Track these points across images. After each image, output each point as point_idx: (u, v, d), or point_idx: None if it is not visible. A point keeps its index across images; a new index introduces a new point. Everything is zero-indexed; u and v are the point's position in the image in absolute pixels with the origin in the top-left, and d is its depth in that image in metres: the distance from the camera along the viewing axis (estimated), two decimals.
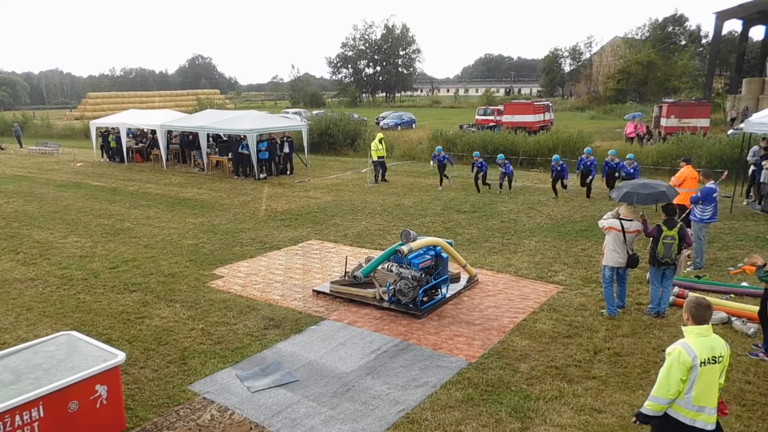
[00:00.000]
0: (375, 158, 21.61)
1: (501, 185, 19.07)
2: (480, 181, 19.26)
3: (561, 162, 18.08)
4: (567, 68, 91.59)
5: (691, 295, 7.76)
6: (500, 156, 19.13)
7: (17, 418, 5.14)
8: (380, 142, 21.88)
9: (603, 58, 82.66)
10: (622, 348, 7.67)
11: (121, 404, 6.02)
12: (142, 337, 8.26)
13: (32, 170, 27.09)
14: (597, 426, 5.95)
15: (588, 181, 18.24)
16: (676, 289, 9.22)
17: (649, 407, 4.48)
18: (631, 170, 17.08)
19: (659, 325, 8.36)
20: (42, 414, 5.31)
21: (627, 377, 6.91)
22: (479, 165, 19.08)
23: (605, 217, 8.73)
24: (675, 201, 13.96)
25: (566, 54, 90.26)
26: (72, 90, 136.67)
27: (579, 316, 8.73)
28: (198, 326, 8.61)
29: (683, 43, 74.17)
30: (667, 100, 39.07)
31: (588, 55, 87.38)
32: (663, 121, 33.60)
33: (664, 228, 8.31)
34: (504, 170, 18.79)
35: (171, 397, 6.66)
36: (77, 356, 6.00)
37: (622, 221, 8.47)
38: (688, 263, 10.80)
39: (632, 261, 8.61)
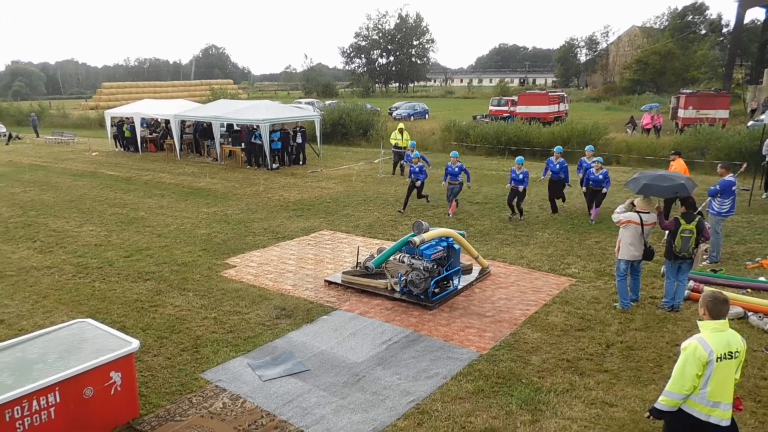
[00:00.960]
0: (393, 146, 21.30)
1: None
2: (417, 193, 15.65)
3: (523, 170, 14.11)
4: (583, 58, 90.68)
5: (707, 289, 7.68)
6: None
7: (34, 402, 5.21)
8: (400, 132, 21.46)
9: (620, 48, 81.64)
10: (635, 342, 7.62)
11: (134, 391, 6.09)
12: (156, 325, 8.34)
13: (48, 160, 27.35)
14: (608, 419, 5.92)
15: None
16: (691, 283, 9.12)
17: (663, 402, 4.44)
18: (600, 177, 13.53)
19: (673, 319, 8.29)
20: (58, 399, 5.38)
21: (639, 371, 6.87)
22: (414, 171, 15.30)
23: (618, 210, 8.63)
24: None
25: (582, 44, 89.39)
26: (87, 80, 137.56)
27: (591, 309, 8.68)
28: (210, 315, 8.67)
29: (703, 32, 72.95)
30: (685, 90, 38.58)
31: (604, 45, 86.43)
32: (680, 113, 33.17)
33: (682, 221, 8.20)
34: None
35: (184, 385, 6.72)
36: (92, 343, 6.07)
37: (640, 214, 8.38)
38: (705, 257, 10.68)
39: (648, 254, 8.53)
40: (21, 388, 5.15)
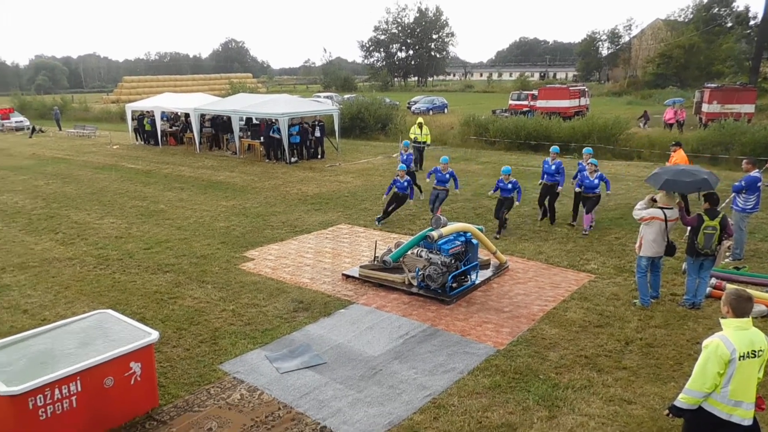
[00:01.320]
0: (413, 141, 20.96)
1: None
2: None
3: (511, 180, 12.52)
4: (604, 52, 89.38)
5: (730, 287, 7.57)
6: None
7: (56, 391, 5.30)
8: (419, 126, 21.24)
9: (643, 42, 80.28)
10: (655, 339, 7.52)
11: (154, 381, 6.17)
12: (175, 316, 8.43)
13: (70, 152, 27.75)
14: (626, 417, 5.86)
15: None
16: (713, 281, 8.98)
17: (683, 400, 4.38)
18: (595, 181, 12.24)
19: (694, 316, 8.17)
20: (79, 388, 5.47)
21: (659, 369, 6.78)
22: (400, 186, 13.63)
23: (639, 207, 8.49)
24: None
25: (604, 37, 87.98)
26: (109, 74, 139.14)
27: (611, 306, 8.59)
28: (229, 307, 8.74)
29: (729, 25, 71.38)
30: (709, 84, 37.88)
31: (627, 39, 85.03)
32: (704, 107, 32.61)
33: (705, 218, 8.05)
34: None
35: (202, 376, 6.79)
36: (113, 334, 6.15)
37: (664, 210, 8.26)
38: (727, 254, 10.50)
39: (670, 249, 8.42)
40: (43, 377, 5.24)
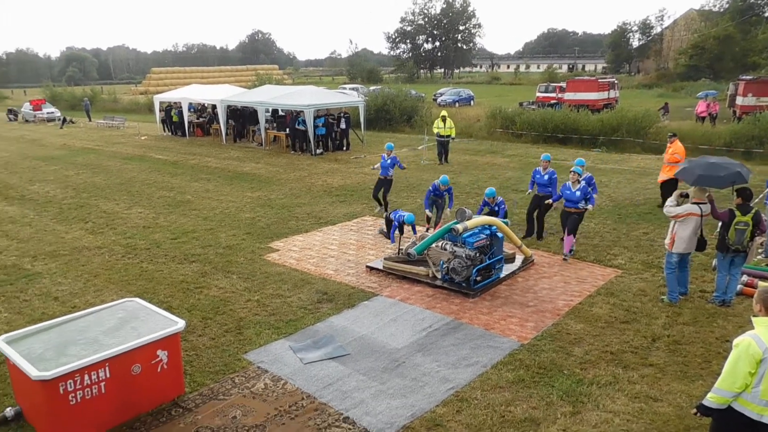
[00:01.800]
0: (436, 134, 20.85)
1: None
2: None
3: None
4: (635, 43, 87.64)
5: (763, 285, 7.37)
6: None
7: (86, 377, 5.42)
8: (442, 119, 20.84)
9: (675, 33, 78.52)
10: (683, 336, 7.39)
11: (180, 369, 6.27)
12: (201, 306, 8.54)
13: (100, 143, 28.24)
14: (652, 414, 5.78)
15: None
16: (744, 278, 8.78)
17: (712, 399, 4.29)
18: (576, 193, 10.34)
19: (724, 314, 8.00)
20: (108, 375, 5.58)
21: (686, 366, 6.66)
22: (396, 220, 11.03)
23: (670, 204, 8.27)
24: (664, 176, 13.84)
25: (635, 28, 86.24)
26: (137, 65, 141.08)
27: (638, 302, 8.46)
28: (254, 297, 8.83)
29: (766, 14, 69.37)
30: (744, 77, 36.88)
31: (659, 30, 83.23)
32: (739, 100, 31.75)
33: (737, 213, 7.86)
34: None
35: (227, 365, 6.88)
36: (140, 322, 6.27)
37: (699, 206, 8.09)
38: (759, 251, 10.24)
39: (701, 244, 8.26)
40: (73, 363, 5.36)
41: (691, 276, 9.19)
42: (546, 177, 11.49)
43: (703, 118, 29.30)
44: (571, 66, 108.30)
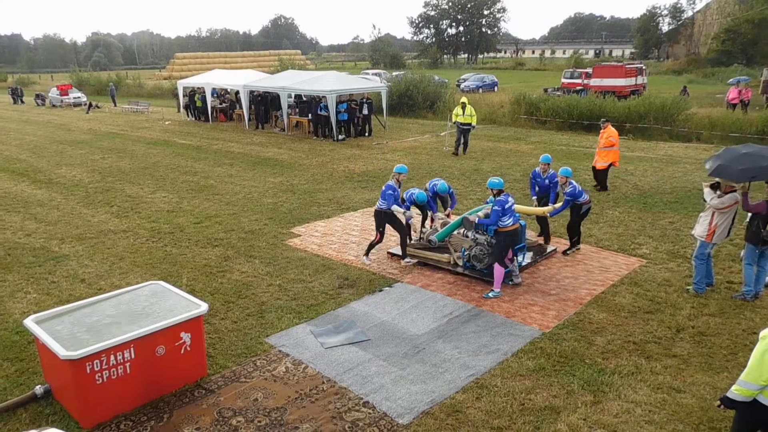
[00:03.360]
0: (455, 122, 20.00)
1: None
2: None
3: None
4: (665, 28, 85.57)
5: None
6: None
7: (111, 357, 5.53)
8: (462, 107, 19.62)
9: (707, 17, 76.47)
10: (708, 327, 7.28)
11: (203, 352, 6.36)
12: (223, 290, 8.64)
13: (125, 128, 28.59)
14: (675, 405, 5.71)
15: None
16: None
17: (737, 392, 4.23)
18: (545, 182, 10.37)
19: (751, 306, 7.85)
20: (133, 356, 5.69)
21: (711, 358, 6.57)
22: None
23: (711, 197, 7.98)
24: (603, 162, 14.06)
25: (665, 12, 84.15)
26: (161, 51, 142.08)
27: (662, 292, 8.34)
28: (275, 282, 8.90)
29: None
30: None
31: (690, 14, 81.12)
32: None
33: None
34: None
35: (249, 348, 6.96)
36: (164, 304, 6.36)
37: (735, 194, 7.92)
38: None
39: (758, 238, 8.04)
40: (100, 343, 5.47)
41: (719, 267, 9.05)
42: (546, 180, 10.50)
43: (735, 105, 28.59)
44: (597, 51, 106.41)
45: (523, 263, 9.33)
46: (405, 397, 5.96)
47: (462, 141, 19.57)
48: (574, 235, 10.07)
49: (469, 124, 19.57)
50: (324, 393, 6.06)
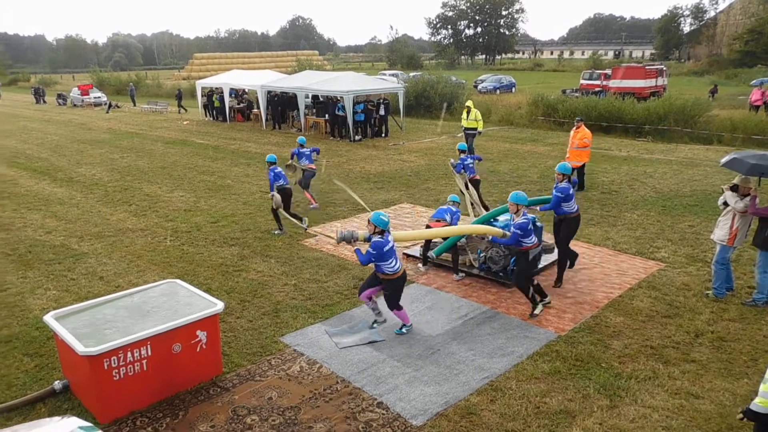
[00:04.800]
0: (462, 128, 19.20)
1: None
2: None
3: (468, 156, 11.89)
4: (686, 29, 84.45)
5: None
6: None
7: (129, 354, 5.59)
8: (467, 111, 18.54)
9: (730, 17, 75.27)
10: (728, 333, 7.16)
11: (218, 350, 6.40)
12: (239, 288, 8.69)
13: (143, 127, 28.90)
14: (693, 411, 5.63)
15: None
16: None
17: (760, 404, 4.10)
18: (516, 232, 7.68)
19: None
20: (150, 353, 5.74)
21: (731, 364, 6.46)
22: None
23: (735, 199, 7.84)
24: (577, 161, 13.96)
25: (687, 12, 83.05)
26: (180, 51, 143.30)
27: (681, 296, 8.23)
28: (291, 282, 8.93)
29: None
30: None
31: (713, 14, 79.95)
32: None
33: None
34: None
35: (264, 347, 6.99)
36: (181, 302, 6.42)
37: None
38: None
39: None
40: (116, 340, 5.54)
41: (739, 272, 8.91)
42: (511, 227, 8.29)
43: (758, 107, 28.11)
44: (617, 52, 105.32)
45: (540, 265, 9.25)
46: (419, 398, 5.94)
47: (469, 146, 18.40)
48: (525, 288, 7.80)
49: (474, 129, 18.59)
50: (338, 393, 6.07)
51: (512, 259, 8.71)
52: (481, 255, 8.99)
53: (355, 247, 6.96)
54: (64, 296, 8.48)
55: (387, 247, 6.84)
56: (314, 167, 13.22)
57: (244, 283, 8.90)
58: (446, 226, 9.11)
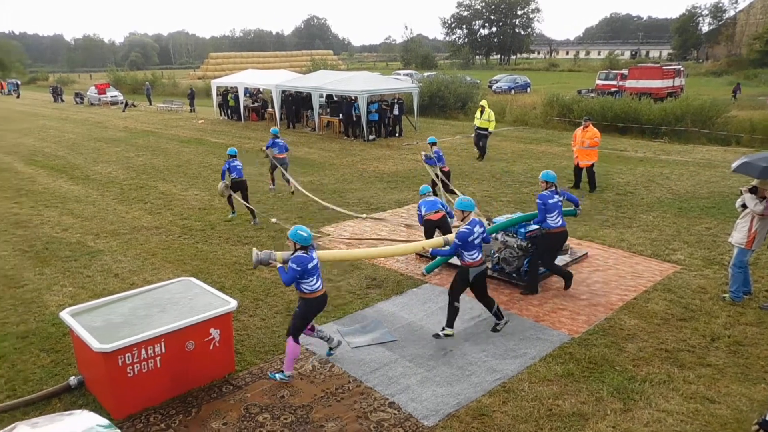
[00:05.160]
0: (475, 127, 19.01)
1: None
2: None
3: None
4: (705, 28, 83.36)
5: None
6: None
7: (143, 351, 5.64)
8: (480, 110, 18.58)
9: (750, 16, 74.13)
10: (745, 337, 7.06)
11: (231, 348, 6.44)
12: (252, 287, 8.73)
13: (159, 126, 29.13)
14: (708, 416, 5.56)
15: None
16: None
17: None
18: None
19: None
20: (163, 350, 5.79)
21: (748, 369, 6.37)
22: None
23: (756, 202, 7.73)
24: (587, 160, 13.99)
25: (706, 12, 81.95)
26: (195, 51, 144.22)
27: (697, 299, 8.13)
28: None
29: None
30: None
31: (732, 13, 78.85)
32: None
33: None
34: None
35: (276, 346, 7.01)
36: (194, 300, 6.46)
37: None
38: None
39: None
40: (132, 337, 5.59)
41: (757, 275, 8.79)
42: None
43: None
44: (634, 52, 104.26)
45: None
46: (431, 398, 5.93)
47: (479, 146, 18.74)
48: (452, 312, 7.24)
49: (486, 129, 18.43)
50: (350, 392, 6.07)
51: (526, 261, 8.67)
52: (495, 256, 8.95)
53: (279, 266, 6.26)
54: (80, 293, 8.58)
55: (311, 264, 6.16)
56: (285, 156, 14.65)
57: (257, 282, 8.94)
58: (443, 216, 9.29)
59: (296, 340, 6.28)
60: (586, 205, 13.08)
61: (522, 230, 8.81)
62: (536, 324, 7.49)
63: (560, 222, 8.17)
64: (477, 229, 6.94)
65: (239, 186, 12.12)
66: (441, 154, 12.81)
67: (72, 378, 6.12)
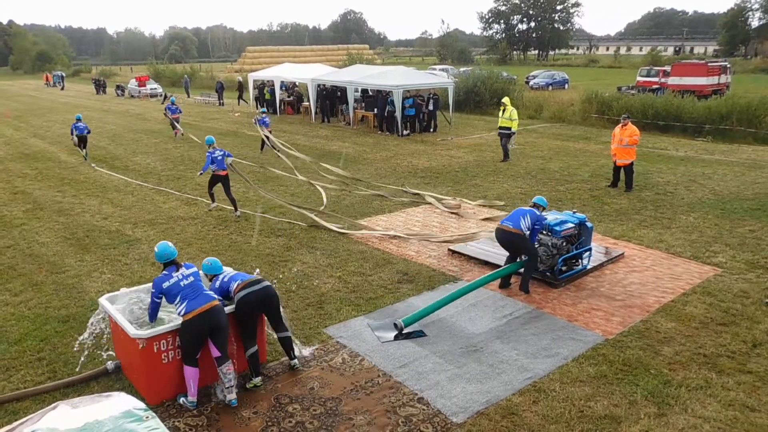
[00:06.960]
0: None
1: None
2: None
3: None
4: (754, 23, 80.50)
5: None
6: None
7: (177, 339, 5.72)
8: (502, 109, 17.28)
9: None
10: None
11: (263, 338, 6.51)
12: (285, 279, 8.81)
13: (196, 118, 29.59)
14: (747, 424, 5.39)
15: None
16: None
17: None
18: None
19: None
20: None
21: None
22: None
23: None
24: (625, 159, 13.71)
25: (756, 6, 79.12)
26: (233, 44, 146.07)
27: (738, 304, 7.88)
28: (336, 274, 9.00)
29: None
30: None
31: None
32: None
33: None
34: None
35: (307, 338, 7.07)
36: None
37: None
38: None
39: None
40: (167, 324, 5.70)
41: None
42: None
43: None
44: (677, 48, 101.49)
45: (588, 266, 9.04)
46: (460, 395, 5.90)
47: (502, 146, 17.66)
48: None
49: (508, 129, 17.20)
50: (379, 386, 6.08)
51: (560, 259, 8.55)
52: None
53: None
54: (118, 280, 8.79)
55: (168, 283, 5.60)
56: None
57: (289, 274, 9.02)
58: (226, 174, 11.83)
59: (189, 364, 5.63)
60: (623, 204, 12.82)
61: (557, 228, 8.68)
62: (569, 324, 7.38)
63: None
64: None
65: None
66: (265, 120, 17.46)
67: (109, 363, 6.28)
